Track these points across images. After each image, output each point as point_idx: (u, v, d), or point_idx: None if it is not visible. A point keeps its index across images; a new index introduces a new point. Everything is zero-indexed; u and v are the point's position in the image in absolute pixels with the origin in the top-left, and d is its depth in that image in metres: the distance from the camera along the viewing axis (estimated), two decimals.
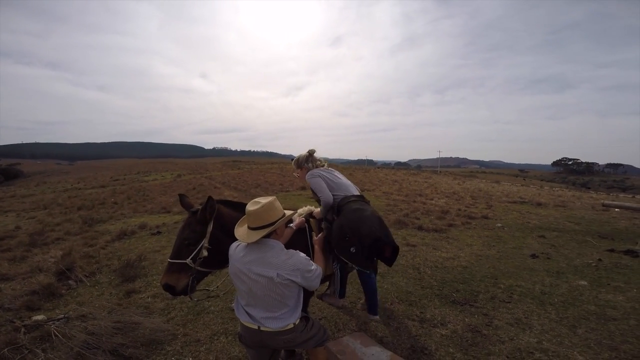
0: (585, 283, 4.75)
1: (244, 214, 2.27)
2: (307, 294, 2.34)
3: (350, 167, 40.33)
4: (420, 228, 8.10)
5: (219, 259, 2.25)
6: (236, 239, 2.15)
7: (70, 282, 4.81)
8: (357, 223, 2.55)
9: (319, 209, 2.90)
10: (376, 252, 2.58)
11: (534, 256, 6.06)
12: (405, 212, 10.18)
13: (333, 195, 2.85)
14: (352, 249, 2.53)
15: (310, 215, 2.83)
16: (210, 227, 2.17)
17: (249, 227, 1.97)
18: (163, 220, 9.44)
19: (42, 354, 2.76)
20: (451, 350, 3.11)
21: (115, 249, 6.55)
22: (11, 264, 5.69)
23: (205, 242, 2.14)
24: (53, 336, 3.07)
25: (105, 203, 13.63)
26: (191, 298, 2.19)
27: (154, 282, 4.76)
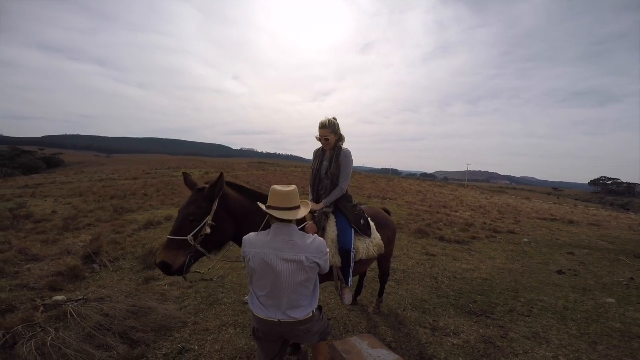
0: (613, 301, 4.52)
1: (249, 198, 2.32)
2: None
3: (374, 176, 39.94)
4: (441, 239, 7.90)
5: (218, 239, 2.23)
6: (239, 220, 2.21)
7: (94, 266, 5.04)
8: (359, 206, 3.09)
9: (311, 200, 2.89)
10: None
11: (560, 272, 5.78)
12: (428, 222, 9.95)
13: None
14: (362, 222, 2.95)
15: None
16: (215, 205, 2.17)
17: (282, 209, 1.93)
18: None
19: (54, 333, 2.85)
20: None
21: (141, 238, 6.81)
22: (44, 245, 6.02)
23: (209, 219, 2.12)
24: (69, 316, 3.20)
25: (136, 194, 14.20)
26: (185, 279, 2.16)
27: None
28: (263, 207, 2.02)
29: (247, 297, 3.99)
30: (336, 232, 2.78)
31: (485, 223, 10.76)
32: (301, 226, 2.44)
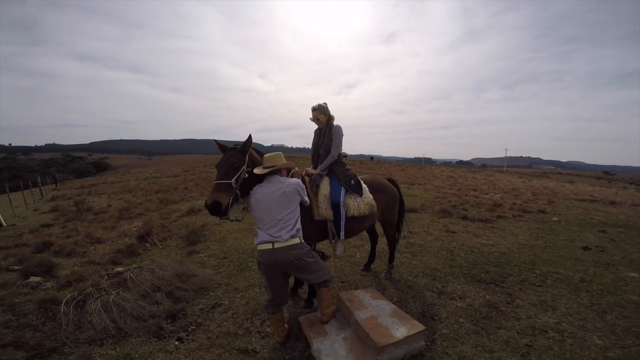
0: (636, 275, 4.47)
1: (261, 157, 2.93)
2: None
3: (404, 164, 39.47)
4: (465, 218, 8.02)
5: (249, 184, 2.77)
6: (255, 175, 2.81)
7: (147, 244, 5.85)
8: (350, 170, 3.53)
9: (311, 168, 3.44)
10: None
11: (585, 248, 5.74)
12: (453, 204, 9.97)
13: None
14: (352, 182, 3.41)
15: (305, 173, 3.37)
16: (247, 157, 2.73)
17: (268, 167, 2.72)
18: None
19: (115, 294, 3.53)
20: (461, 320, 3.24)
21: (184, 222, 7.63)
22: (104, 230, 7.03)
23: (245, 167, 2.68)
24: (128, 279, 3.91)
25: (177, 188, 15.41)
26: (228, 219, 2.68)
27: (212, 246, 5.62)
28: (259, 170, 2.71)
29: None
30: (328, 189, 3.28)
31: (514, 204, 10.58)
32: (289, 173, 3.05)
